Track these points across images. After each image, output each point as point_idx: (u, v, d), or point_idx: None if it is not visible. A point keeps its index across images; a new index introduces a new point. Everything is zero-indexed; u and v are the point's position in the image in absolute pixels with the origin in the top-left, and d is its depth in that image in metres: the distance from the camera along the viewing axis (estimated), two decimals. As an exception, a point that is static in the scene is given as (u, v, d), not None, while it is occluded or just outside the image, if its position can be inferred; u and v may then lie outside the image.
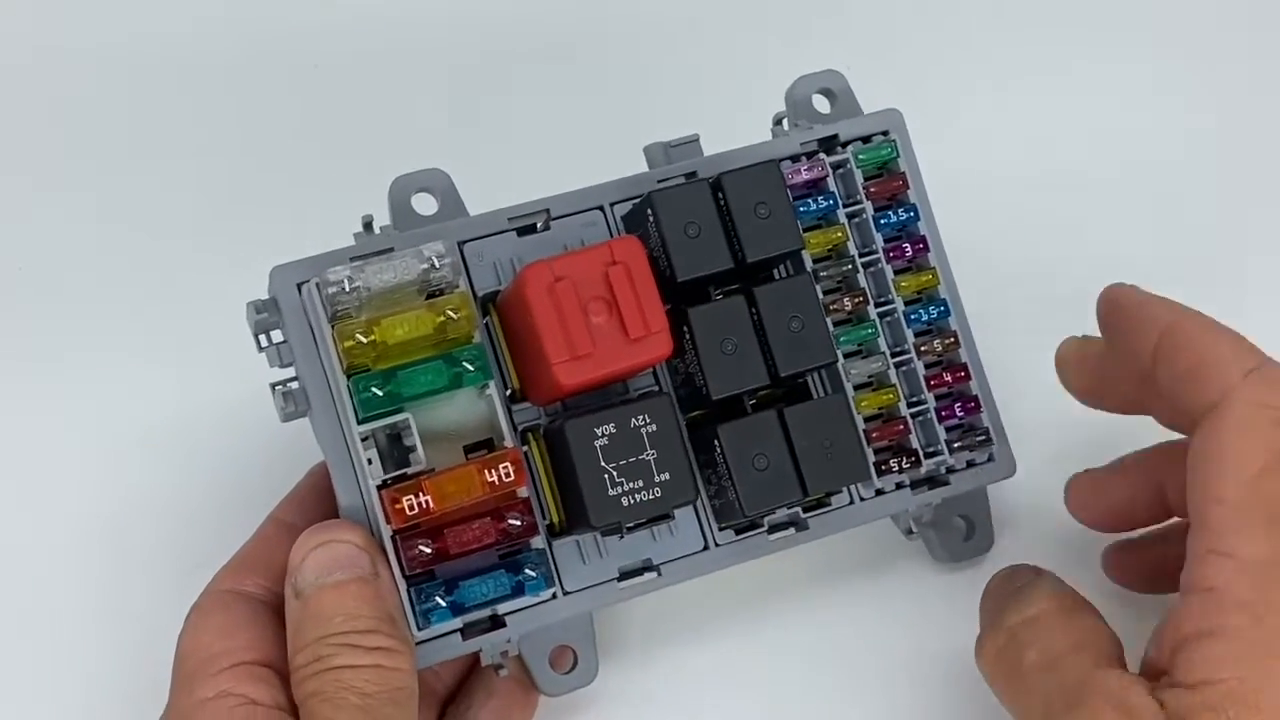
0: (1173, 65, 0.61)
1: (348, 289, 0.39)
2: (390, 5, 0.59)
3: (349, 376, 0.39)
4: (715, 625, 0.48)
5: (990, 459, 0.46)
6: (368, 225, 0.43)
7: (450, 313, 0.40)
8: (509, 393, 0.42)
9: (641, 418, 0.40)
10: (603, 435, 0.40)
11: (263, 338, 0.42)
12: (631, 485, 0.40)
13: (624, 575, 0.43)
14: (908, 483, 0.45)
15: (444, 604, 0.39)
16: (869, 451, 0.44)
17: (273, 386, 0.42)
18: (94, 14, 0.57)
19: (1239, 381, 0.38)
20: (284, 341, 0.41)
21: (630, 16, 0.60)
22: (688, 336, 0.41)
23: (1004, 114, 0.59)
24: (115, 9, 0.58)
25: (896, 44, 0.60)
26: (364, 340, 0.39)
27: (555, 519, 0.42)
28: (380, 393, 0.39)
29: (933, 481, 0.45)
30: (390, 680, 0.37)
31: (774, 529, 0.44)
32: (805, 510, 0.44)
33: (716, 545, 0.43)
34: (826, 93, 0.47)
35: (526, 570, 0.40)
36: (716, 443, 0.41)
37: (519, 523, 0.39)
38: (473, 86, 0.58)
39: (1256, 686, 0.36)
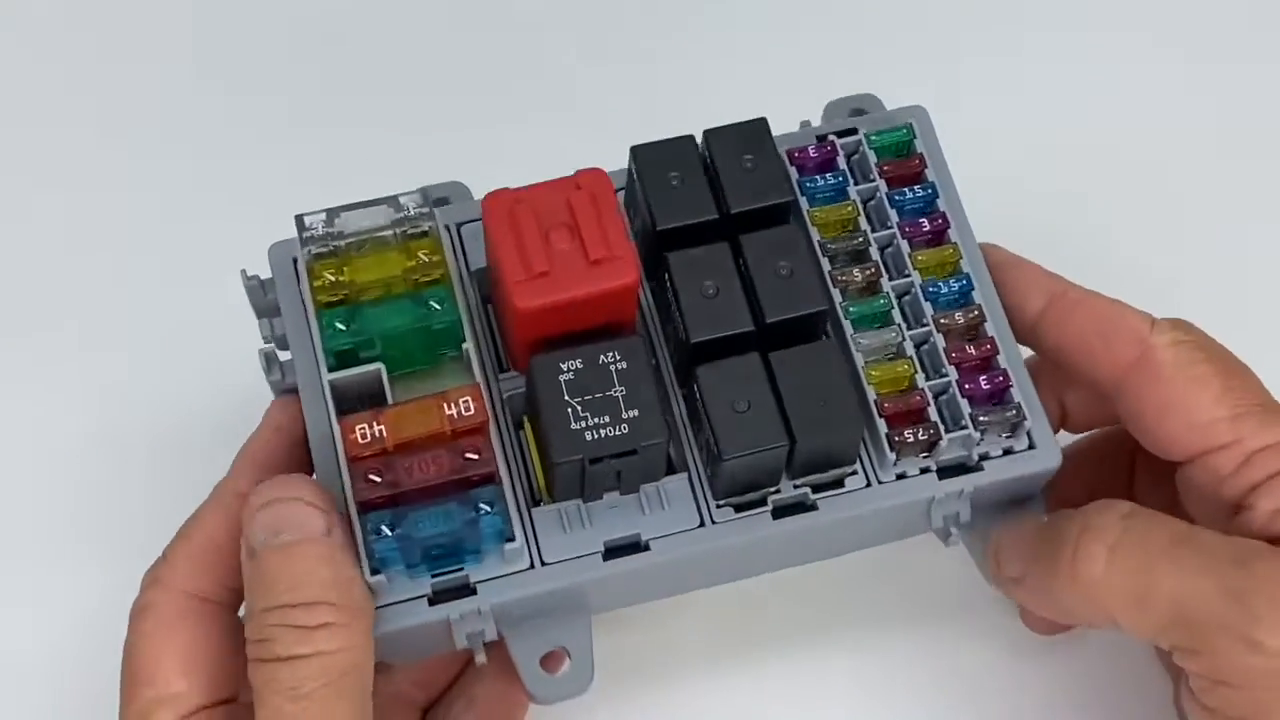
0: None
1: (321, 231, 0.39)
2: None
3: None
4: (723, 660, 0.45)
5: (1031, 446, 0.41)
6: None
7: (423, 255, 0.40)
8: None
9: (611, 354, 0.38)
10: (569, 370, 0.38)
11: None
12: (597, 420, 0.37)
13: (611, 551, 0.39)
14: (934, 468, 0.41)
15: (390, 535, 0.37)
16: (881, 423, 0.40)
17: (260, 352, 0.42)
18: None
19: (1150, 330, 0.40)
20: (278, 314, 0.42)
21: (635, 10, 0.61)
22: (669, 284, 0.40)
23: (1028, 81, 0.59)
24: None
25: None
26: (334, 279, 0.39)
27: (545, 495, 0.40)
28: (345, 327, 0.39)
29: (962, 469, 0.41)
30: (334, 666, 0.35)
31: (779, 511, 0.40)
32: (815, 490, 0.40)
33: (713, 523, 0.40)
34: (858, 114, 0.46)
35: (481, 505, 0.37)
36: (694, 385, 0.39)
37: (476, 456, 0.37)
38: (485, 75, 0.59)
39: None
